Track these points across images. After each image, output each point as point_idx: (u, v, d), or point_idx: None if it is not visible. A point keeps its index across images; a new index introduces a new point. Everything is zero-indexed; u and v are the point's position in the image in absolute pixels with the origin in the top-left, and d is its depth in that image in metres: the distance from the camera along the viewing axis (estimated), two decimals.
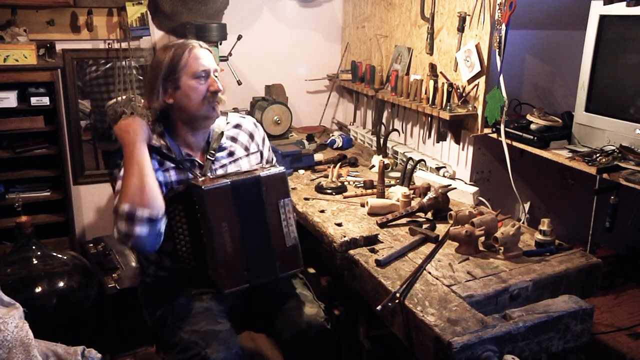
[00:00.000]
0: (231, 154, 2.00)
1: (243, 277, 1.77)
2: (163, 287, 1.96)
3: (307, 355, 1.87)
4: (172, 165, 1.88)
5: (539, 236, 2.00)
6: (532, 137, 2.37)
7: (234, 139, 2.03)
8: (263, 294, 1.96)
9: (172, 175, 1.88)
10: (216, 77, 1.87)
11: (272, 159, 2.15)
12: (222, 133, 1.98)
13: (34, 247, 2.50)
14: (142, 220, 1.68)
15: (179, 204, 1.79)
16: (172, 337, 1.78)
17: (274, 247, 1.83)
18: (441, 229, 2.13)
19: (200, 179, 1.82)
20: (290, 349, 1.88)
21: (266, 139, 2.14)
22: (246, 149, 2.05)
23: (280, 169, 1.86)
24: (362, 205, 2.37)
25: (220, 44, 3.04)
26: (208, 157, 1.93)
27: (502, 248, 1.94)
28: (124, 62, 3.10)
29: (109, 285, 2.59)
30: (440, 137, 2.77)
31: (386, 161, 2.76)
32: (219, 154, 1.96)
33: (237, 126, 2.06)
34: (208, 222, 1.72)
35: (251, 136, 2.07)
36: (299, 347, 1.86)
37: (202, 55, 1.84)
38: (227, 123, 2.03)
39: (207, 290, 1.92)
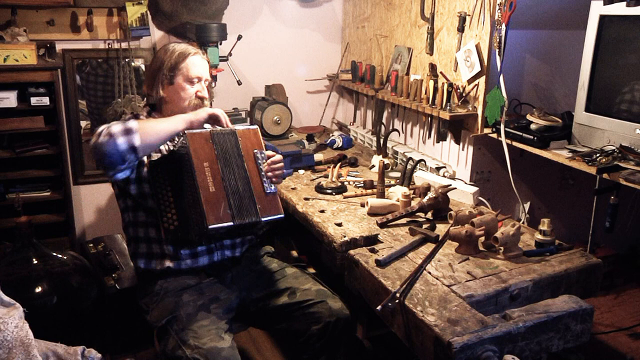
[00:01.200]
0: None
1: (226, 215, 1.86)
2: (166, 292, 1.97)
3: (336, 346, 1.97)
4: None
5: (539, 236, 2.00)
6: (532, 137, 2.37)
7: None
8: (280, 291, 2.04)
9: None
10: (205, 86, 2.09)
11: None
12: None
13: (34, 247, 2.50)
14: (130, 139, 1.77)
15: (162, 166, 1.93)
16: (175, 350, 1.82)
17: (254, 191, 1.94)
18: (441, 229, 2.13)
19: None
20: (317, 343, 1.96)
21: None
22: None
23: (253, 126, 2.06)
24: (362, 205, 2.37)
25: (220, 44, 3.04)
26: None
27: (502, 248, 1.94)
28: (124, 62, 3.11)
29: (109, 285, 2.59)
30: (440, 137, 2.77)
31: (386, 161, 2.76)
32: None
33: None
34: (191, 162, 1.85)
35: None
36: (327, 340, 1.95)
37: (199, 63, 2.08)
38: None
39: (214, 296, 1.96)
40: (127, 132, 1.76)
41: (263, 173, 1.96)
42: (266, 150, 2.02)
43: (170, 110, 2.06)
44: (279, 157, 2.03)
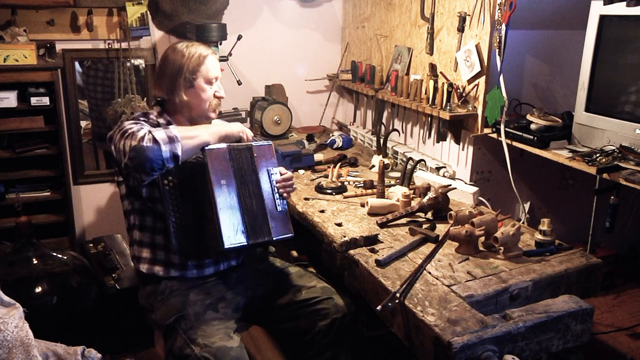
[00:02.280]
0: None
1: (241, 235, 1.86)
2: (171, 291, 1.96)
3: (341, 342, 2.00)
4: None
5: (539, 236, 2.00)
6: (532, 137, 2.37)
7: None
8: (285, 290, 2.05)
9: None
10: (220, 85, 2.08)
11: None
12: None
13: (34, 247, 2.50)
14: (173, 148, 1.78)
15: (173, 176, 1.90)
16: (184, 349, 1.80)
17: (267, 210, 1.95)
18: (441, 229, 2.13)
19: None
20: (323, 340, 1.98)
21: None
22: None
23: (268, 142, 2.05)
24: (362, 205, 2.37)
25: (220, 44, 3.04)
26: None
27: (502, 248, 1.94)
28: (124, 62, 3.11)
29: (109, 285, 2.59)
30: (440, 137, 2.77)
31: (386, 161, 2.76)
32: None
33: None
34: (209, 180, 1.83)
35: None
36: (334, 336, 1.98)
37: (215, 63, 2.06)
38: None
39: (221, 296, 1.96)
40: (171, 140, 1.77)
41: (275, 191, 1.98)
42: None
43: (189, 113, 2.03)
44: (290, 174, 2.05)
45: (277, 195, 1.97)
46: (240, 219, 1.87)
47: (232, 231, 1.84)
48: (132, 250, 2.07)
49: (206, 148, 1.87)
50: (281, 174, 2.01)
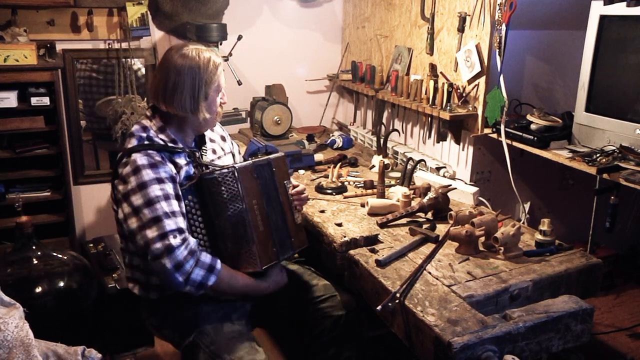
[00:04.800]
0: (214, 151, 2.10)
1: (273, 253, 1.86)
2: (179, 305, 1.89)
3: (345, 339, 2.00)
4: (182, 159, 1.87)
5: (539, 236, 2.00)
6: (532, 137, 2.37)
7: (212, 140, 2.12)
8: (289, 290, 2.03)
9: (182, 170, 1.87)
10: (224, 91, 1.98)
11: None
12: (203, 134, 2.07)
13: (34, 247, 2.50)
14: (203, 281, 1.74)
15: (193, 196, 1.81)
16: None
17: (288, 224, 1.95)
18: (441, 229, 2.13)
19: (211, 169, 1.88)
20: (327, 337, 1.98)
21: (233, 142, 2.27)
22: (222, 149, 2.16)
23: (281, 153, 2.04)
24: (362, 206, 2.37)
25: (221, 44, 3.04)
26: (202, 152, 2.03)
27: (502, 248, 1.94)
28: (124, 62, 3.11)
29: (109, 285, 2.59)
30: (440, 137, 2.77)
31: (386, 161, 2.76)
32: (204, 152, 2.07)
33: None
34: (243, 201, 1.78)
35: (223, 138, 2.18)
36: (338, 333, 1.98)
37: (222, 71, 1.92)
38: None
39: (231, 305, 1.92)
40: (200, 287, 1.72)
41: (292, 204, 1.98)
42: (267, 152, 2.04)
43: (198, 127, 1.92)
44: (302, 186, 2.06)
45: (294, 209, 1.98)
46: (271, 238, 1.86)
47: (266, 251, 1.84)
48: (126, 271, 1.96)
49: (237, 166, 1.80)
50: (294, 187, 2.01)
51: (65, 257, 2.58)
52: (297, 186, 2.03)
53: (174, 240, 1.67)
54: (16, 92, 2.82)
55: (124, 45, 3.11)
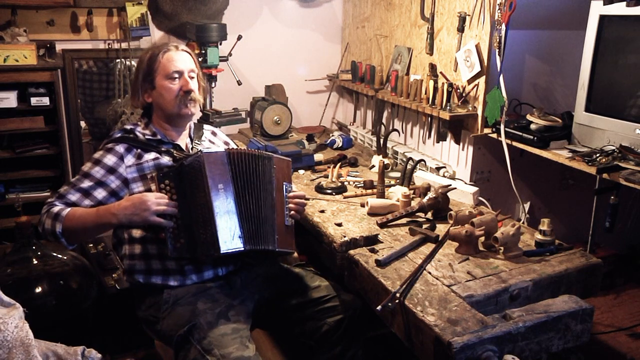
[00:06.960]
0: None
1: (239, 240, 1.85)
2: (176, 300, 1.91)
3: (351, 336, 2.01)
4: (157, 151, 2.00)
5: (539, 236, 2.00)
6: (532, 137, 2.37)
7: (211, 141, 2.20)
8: (292, 291, 2.05)
9: (162, 160, 1.98)
10: (191, 77, 2.01)
11: None
12: (202, 127, 2.20)
13: (34, 247, 2.50)
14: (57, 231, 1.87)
15: (170, 180, 1.87)
16: None
17: (276, 221, 1.95)
18: (441, 229, 2.13)
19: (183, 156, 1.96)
20: (332, 337, 1.99)
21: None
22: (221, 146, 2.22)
23: (288, 158, 2.06)
24: (362, 205, 2.37)
25: (220, 44, 3.03)
26: (194, 145, 2.10)
27: (502, 248, 1.94)
28: (124, 62, 3.11)
29: (109, 285, 2.59)
30: (440, 137, 2.77)
31: (386, 161, 2.76)
32: (200, 147, 2.11)
33: (213, 133, 2.27)
34: (206, 184, 1.82)
35: (226, 144, 2.26)
36: (344, 331, 1.99)
37: (176, 57, 1.99)
38: (204, 129, 2.23)
39: (229, 303, 1.92)
40: (53, 234, 1.86)
41: (287, 206, 1.99)
42: (266, 151, 2.04)
43: (162, 113, 2.02)
44: (302, 193, 2.08)
45: (287, 212, 1.98)
46: (238, 223, 1.85)
47: (229, 236, 1.83)
48: (124, 264, 1.99)
49: (204, 151, 1.87)
50: (293, 192, 2.04)
51: (65, 257, 2.59)
52: (297, 192, 2.05)
53: (55, 201, 1.90)
54: (16, 92, 2.82)
55: (124, 45, 3.11)
